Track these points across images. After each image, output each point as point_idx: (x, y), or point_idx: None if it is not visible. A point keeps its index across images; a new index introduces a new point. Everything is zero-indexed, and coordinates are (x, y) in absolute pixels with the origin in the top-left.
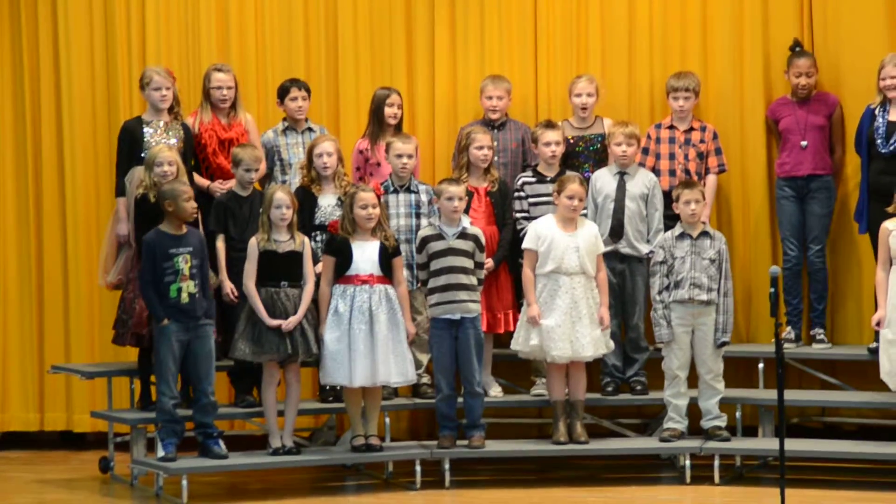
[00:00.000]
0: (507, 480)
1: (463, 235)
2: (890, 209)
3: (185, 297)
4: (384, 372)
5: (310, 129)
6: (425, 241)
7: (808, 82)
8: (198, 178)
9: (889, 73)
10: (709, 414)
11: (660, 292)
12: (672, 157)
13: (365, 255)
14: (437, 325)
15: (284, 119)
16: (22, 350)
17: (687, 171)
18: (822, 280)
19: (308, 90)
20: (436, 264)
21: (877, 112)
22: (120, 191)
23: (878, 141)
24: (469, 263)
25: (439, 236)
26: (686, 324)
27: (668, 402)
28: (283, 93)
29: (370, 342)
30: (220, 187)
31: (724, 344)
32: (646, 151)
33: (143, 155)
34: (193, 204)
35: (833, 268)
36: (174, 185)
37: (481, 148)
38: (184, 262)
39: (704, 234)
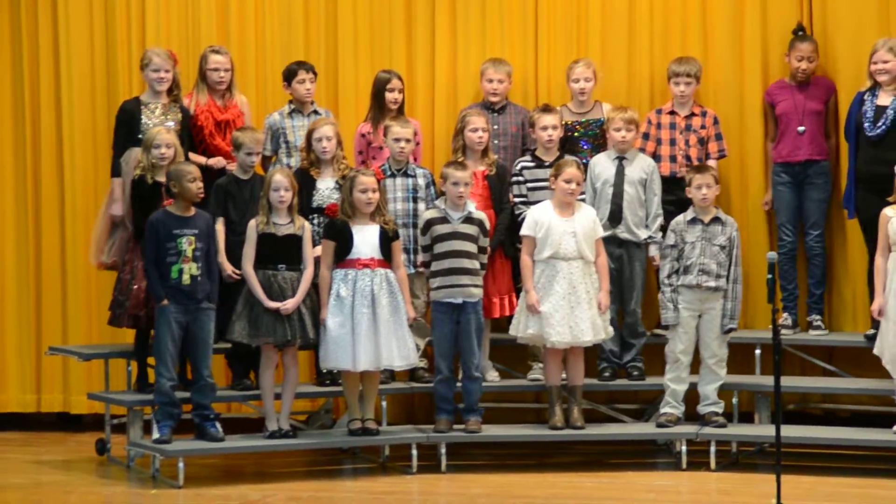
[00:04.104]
0: (503, 465)
1: (468, 220)
2: (890, 199)
3: (186, 279)
4: (387, 355)
5: (315, 112)
6: (430, 223)
7: (808, 67)
8: (195, 157)
9: (881, 57)
10: (706, 399)
11: (669, 276)
12: (673, 142)
13: (365, 238)
14: (439, 309)
15: (290, 102)
16: (19, 331)
17: (688, 157)
18: (820, 266)
19: (315, 72)
20: (439, 248)
21: (865, 97)
22: (116, 171)
23: (866, 125)
24: (473, 248)
25: (444, 220)
26: (693, 308)
27: (667, 386)
28: (290, 75)
29: (373, 326)
30: (217, 164)
31: (730, 330)
32: (646, 137)
33: (140, 136)
34: (199, 185)
35: (830, 254)
36: (180, 165)
37: (476, 130)
38: (187, 244)
39: (716, 219)
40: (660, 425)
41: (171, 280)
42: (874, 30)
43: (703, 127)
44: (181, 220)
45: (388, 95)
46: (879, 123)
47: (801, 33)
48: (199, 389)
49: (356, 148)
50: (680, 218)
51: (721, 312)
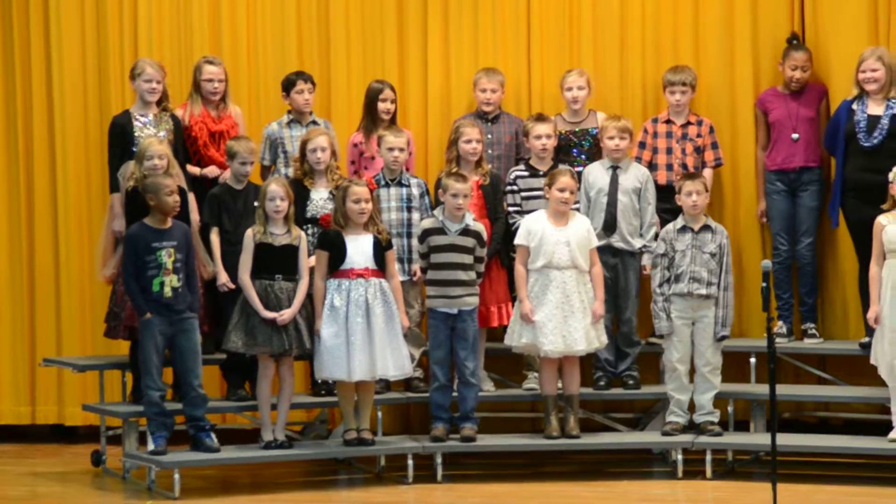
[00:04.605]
0: (499, 475)
1: (465, 232)
2: (884, 206)
3: (167, 292)
4: (382, 366)
5: (314, 122)
6: (427, 233)
7: (802, 76)
8: (189, 168)
9: (870, 65)
10: (702, 409)
11: (660, 285)
12: (669, 151)
13: (359, 248)
14: (435, 316)
15: (289, 112)
16: (14, 343)
17: (684, 166)
18: (811, 274)
19: (313, 83)
20: (436, 258)
21: (855, 106)
22: (114, 186)
23: (860, 135)
24: (469, 259)
25: (441, 231)
26: (686, 317)
27: (671, 396)
28: (288, 86)
29: (367, 336)
30: (212, 172)
31: (723, 338)
32: (643, 145)
33: (134, 149)
34: (176, 198)
35: (823, 262)
36: (156, 179)
37: (469, 141)
38: (167, 256)
39: (706, 227)
40: (665, 433)
41: (152, 293)
42: (866, 38)
43: (699, 135)
44: (159, 232)
45: (381, 106)
46: (875, 133)
47: (795, 42)
48: (190, 401)
49: (348, 158)
50: (670, 226)
51: (713, 320)
